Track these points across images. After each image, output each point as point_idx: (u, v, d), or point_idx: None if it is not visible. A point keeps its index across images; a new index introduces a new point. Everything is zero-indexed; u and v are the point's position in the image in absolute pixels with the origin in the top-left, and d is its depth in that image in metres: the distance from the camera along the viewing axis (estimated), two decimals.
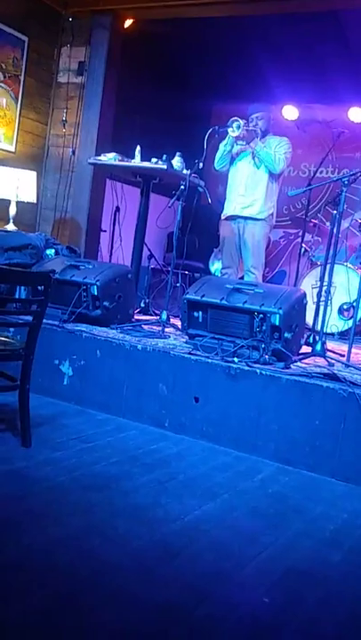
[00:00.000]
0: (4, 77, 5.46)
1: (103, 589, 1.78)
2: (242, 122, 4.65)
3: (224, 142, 4.86)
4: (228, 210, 5.00)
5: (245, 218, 4.91)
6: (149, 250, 5.59)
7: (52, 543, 2.01)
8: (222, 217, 5.07)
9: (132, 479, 2.66)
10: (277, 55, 6.15)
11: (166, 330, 4.15)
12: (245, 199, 4.89)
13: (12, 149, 5.62)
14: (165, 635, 1.62)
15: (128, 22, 5.89)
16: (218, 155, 4.95)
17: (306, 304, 3.84)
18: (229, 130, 4.66)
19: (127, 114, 6.43)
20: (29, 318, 2.93)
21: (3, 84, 5.46)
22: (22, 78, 5.64)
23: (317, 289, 3.97)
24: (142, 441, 3.22)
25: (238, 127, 4.63)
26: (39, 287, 3.08)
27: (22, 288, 4.33)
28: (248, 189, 4.88)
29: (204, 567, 1.99)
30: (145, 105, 6.81)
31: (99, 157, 5.03)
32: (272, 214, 4.97)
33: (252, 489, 2.75)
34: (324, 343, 3.68)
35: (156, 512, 2.36)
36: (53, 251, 4.90)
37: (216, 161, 4.97)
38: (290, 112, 7.77)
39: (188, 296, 3.78)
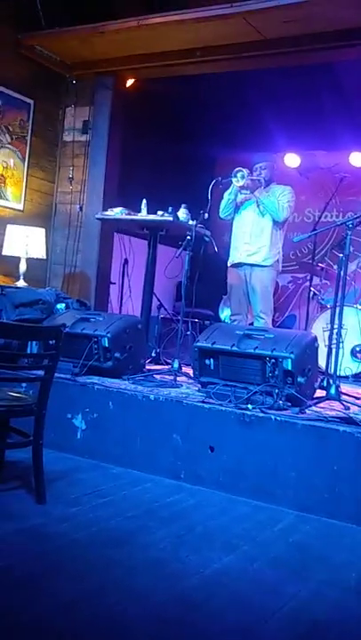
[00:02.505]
0: (12, 139, 5.63)
1: None
2: (246, 171, 4.75)
3: (228, 191, 4.96)
4: (235, 257, 5.06)
5: (252, 265, 4.95)
6: (158, 300, 5.63)
7: (70, 602, 1.96)
8: (228, 264, 5.13)
9: (150, 533, 2.61)
10: (277, 105, 6.30)
11: (178, 379, 4.14)
12: (251, 247, 4.94)
13: (21, 208, 5.75)
14: None
15: (130, 82, 6.10)
16: (222, 204, 5.04)
17: (317, 347, 3.83)
18: (234, 180, 4.76)
19: (132, 168, 6.58)
20: (41, 373, 2.94)
21: (10, 146, 5.62)
22: (29, 139, 5.81)
23: (328, 332, 3.97)
24: (158, 494, 3.17)
25: (243, 177, 4.73)
26: (50, 341, 3.09)
27: (34, 343, 4.35)
28: (253, 237, 4.95)
29: (227, 621, 1.93)
30: (149, 159, 6.98)
31: (106, 212, 5.13)
32: (278, 260, 5.02)
33: (272, 539, 2.69)
34: (338, 386, 3.65)
35: (175, 566, 2.30)
36: (64, 305, 4.95)
37: (221, 210, 5.06)
38: (292, 160, 7.93)
39: (198, 344, 3.78)
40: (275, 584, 2.22)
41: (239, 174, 4.73)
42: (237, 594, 2.13)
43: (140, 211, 4.92)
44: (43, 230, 5.50)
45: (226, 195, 5.00)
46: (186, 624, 1.90)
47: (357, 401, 3.70)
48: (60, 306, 4.93)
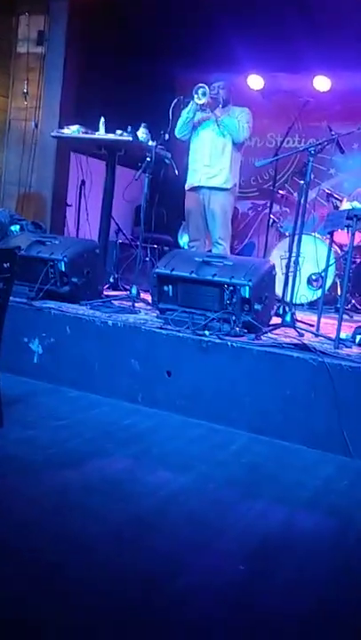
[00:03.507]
0: None
1: (82, 566, 1.78)
2: (207, 88, 4.56)
3: (187, 109, 4.74)
4: (193, 180, 4.92)
5: (211, 188, 4.84)
6: (117, 224, 5.52)
7: (28, 523, 2.00)
8: (186, 188, 4.99)
9: (107, 455, 2.66)
10: (241, 24, 6.05)
11: (137, 305, 4.12)
12: (211, 169, 4.82)
13: None
14: (147, 605, 1.63)
15: None
16: (179, 122, 4.81)
17: (275, 275, 3.86)
18: (195, 97, 4.56)
19: (90, 85, 6.28)
20: None
21: None
22: None
23: (286, 260, 3.99)
24: (116, 416, 3.22)
25: (204, 94, 4.53)
26: (5, 264, 3.01)
27: None
28: (213, 159, 4.81)
29: (182, 539, 2.01)
30: (108, 76, 6.65)
31: (62, 130, 4.93)
32: (236, 184, 4.93)
33: (226, 460, 2.78)
34: (293, 314, 3.70)
35: (132, 487, 2.36)
36: (18, 227, 4.82)
37: (177, 129, 4.84)
38: (255, 81, 7.70)
39: (157, 270, 3.75)
40: (228, 502, 2.31)
41: (200, 91, 4.54)
42: (192, 513, 2.20)
43: (97, 129, 4.74)
44: None
45: (184, 113, 4.77)
46: (142, 542, 1.97)
47: (311, 328, 3.77)
48: (15, 228, 4.80)
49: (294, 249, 3.72)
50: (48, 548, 1.86)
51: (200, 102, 4.58)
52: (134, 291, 4.26)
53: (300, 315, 4.11)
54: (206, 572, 1.83)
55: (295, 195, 5.80)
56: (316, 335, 3.65)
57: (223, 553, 1.95)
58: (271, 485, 2.53)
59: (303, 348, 3.18)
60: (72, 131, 4.79)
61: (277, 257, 5.74)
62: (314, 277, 5.59)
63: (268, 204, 6.35)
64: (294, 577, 1.86)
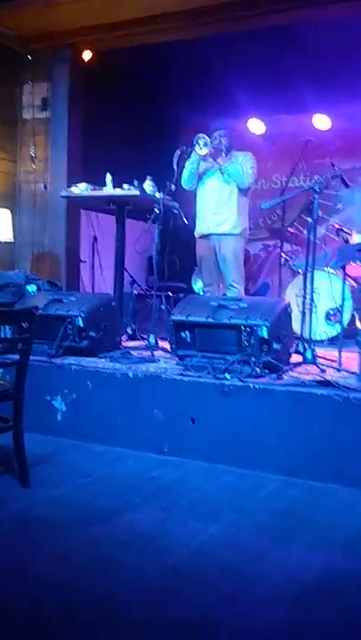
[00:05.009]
0: None
1: (119, 623, 1.73)
2: (207, 138, 4.65)
3: (190, 160, 4.84)
4: (202, 228, 4.98)
5: (220, 234, 4.90)
6: (131, 276, 5.58)
7: (61, 584, 1.96)
8: (196, 236, 5.06)
9: (135, 509, 2.62)
10: (240, 70, 6.21)
11: (156, 354, 4.12)
12: (218, 216, 4.88)
13: None
14: None
15: (88, 54, 5.94)
16: (185, 174, 4.92)
17: (291, 313, 3.84)
18: (196, 148, 4.65)
19: (95, 143, 6.45)
20: (17, 357, 2.90)
21: None
22: None
23: (302, 297, 3.98)
24: (142, 469, 3.18)
25: (205, 144, 4.62)
26: (23, 324, 3.05)
27: (7, 327, 4.29)
28: (220, 206, 4.88)
29: (217, 591, 1.95)
30: (112, 132, 6.83)
31: (70, 189, 5.04)
32: (246, 228, 4.98)
33: (257, 506, 2.72)
34: (313, 350, 3.67)
35: (162, 540, 2.31)
36: (35, 287, 4.88)
37: (184, 180, 4.94)
38: (255, 125, 7.85)
39: (173, 317, 3.77)
40: (262, 551, 2.25)
41: (201, 142, 4.62)
42: (225, 563, 2.15)
43: (105, 185, 4.84)
44: (7, 212, 5.39)
45: (188, 164, 4.87)
46: (178, 596, 1.91)
47: (333, 363, 3.73)
48: (31, 288, 4.86)
49: (308, 285, 3.72)
50: (83, 608, 1.82)
51: (202, 153, 4.66)
52: (152, 340, 4.27)
53: (320, 351, 4.07)
54: (244, 625, 1.76)
55: (305, 232, 5.83)
56: (339, 370, 3.61)
57: (260, 604, 1.89)
58: (306, 530, 2.46)
59: (327, 384, 3.14)
60: (80, 189, 4.90)
61: (292, 295, 5.73)
62: (331, 312, 5.55)
63: (279, 244, 6.38)
64: (337, 620, 1.79)
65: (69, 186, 5.28)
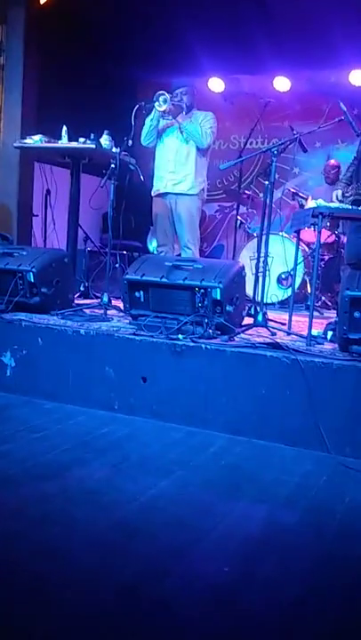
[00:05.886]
0: None
1: (66, 575, 1.77)
2: (168, 95, 4.59)
3: (150, 117, 4.78)
4: (159, 186, 4.95)
5: (177, 194, 4.88)
6: (85, 232, 5.50)
7: (9, 537, 1.98)
8: (153, 194, 5.02)
9: (86, 465, 2.64)
10: (201, 28, 6.10)
11: (109, 312, 4.12)
12: (176, 175, 4.85)
13: None
14: (132, 612, 1.63)
15: None
16: (144, 130, 4.87)
17: (245, 276, 3.88)
18: (156, 104, 4.60)
19: (51, 93, 6.25)
20: None
21: None
22: None
23: (255, 260, 4.02)
24: (92, 426, 3.20)
25: (165, 101, 4.57)
26: None
27: None
28: (178, 165, 4.85)
29: (164, 544, 2.01)
30: (69, 83, 6.63)
31: (24, 140, 4.89)
32: (203, 189, 4.96)
33: (204, 462, 2.78)
34: (265, 313, 3.73)
35: (111, 495, 2.35)
36: None
37: (143, 137, 4.90)
38: (216, 84, 7.76)
39: (127, 276, 3.75)
40: (208, 505, 2.32)
41: (161, 98, 4.57)
42: (173, 517, 2.20)
43: (60, 138, 4.72)
44: None
45: (147, 121, 4.82)
46: (126, 548, 1.96)
47: (283, 327, 3.80)
48: None
49: (262, 249, 3.75)
50: (30, 559, 1.85)
51: (161, 109, 4.60)
52: (105, 298, 4.25)
53: (271, 314, 4.14)
54: (189, 575, 1.83)
55: (261, 195, 5.85)
56: (289, 333, 3.69)
57: (205, 556, 1.96)
58: (251, 485, 2.54)
59: (276, 346, 3.21)
60: (34, 140, 4.76)
61: (247, 258, 5.79)
62: (283, 276, 5.64)
63: (235, 206, 6.39)
64: (277, 573, 1.87)
65: (23, 137, 5.12)
